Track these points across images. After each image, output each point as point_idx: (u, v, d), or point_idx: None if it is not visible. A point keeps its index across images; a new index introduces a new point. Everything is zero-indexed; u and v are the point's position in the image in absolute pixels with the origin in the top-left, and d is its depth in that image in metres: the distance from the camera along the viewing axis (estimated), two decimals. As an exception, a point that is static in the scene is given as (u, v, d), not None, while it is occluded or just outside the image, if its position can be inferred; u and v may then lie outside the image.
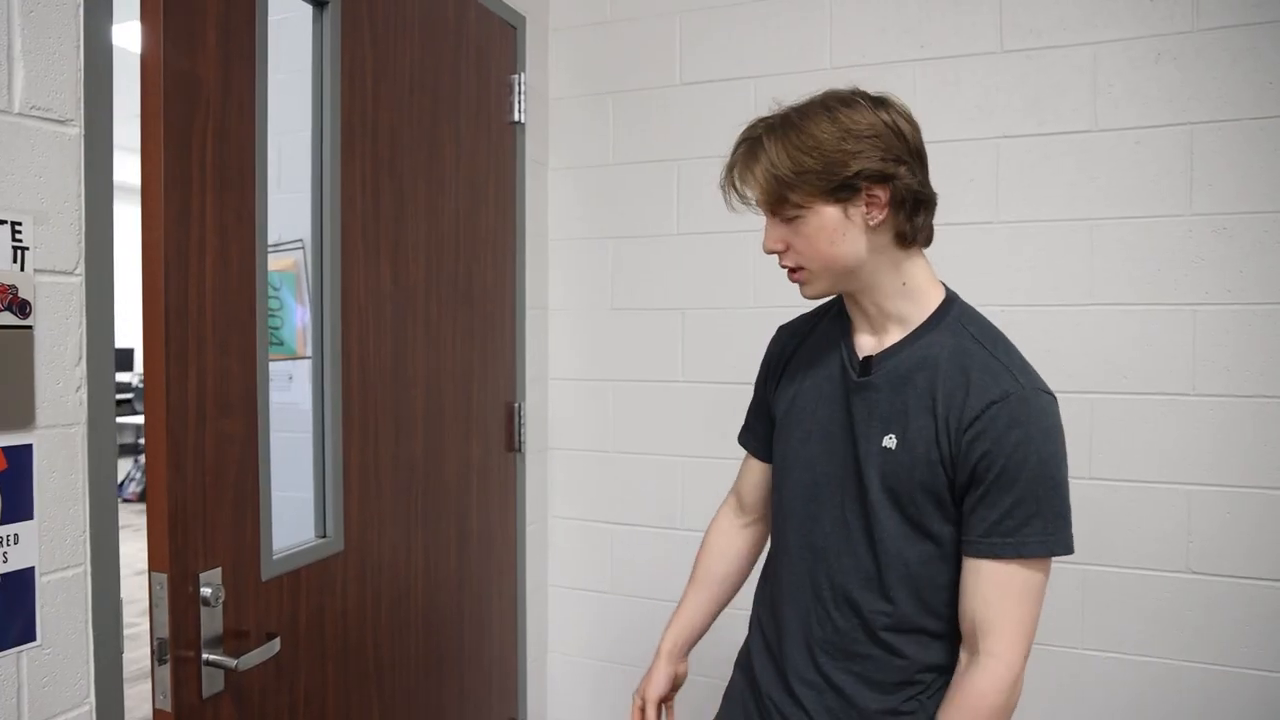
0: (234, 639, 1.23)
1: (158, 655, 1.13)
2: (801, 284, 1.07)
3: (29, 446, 0.99)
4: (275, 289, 2.52)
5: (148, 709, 1.15)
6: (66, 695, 1.03)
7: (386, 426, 1.62)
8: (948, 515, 1.01)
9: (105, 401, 1.07)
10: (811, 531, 1.10)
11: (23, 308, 0.98)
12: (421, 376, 1.70)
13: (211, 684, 1.19)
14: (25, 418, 0.98)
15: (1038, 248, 1.74)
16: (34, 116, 0.99)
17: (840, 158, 0.97)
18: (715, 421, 1.97)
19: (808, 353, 1.16)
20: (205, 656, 1.18)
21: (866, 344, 1.09)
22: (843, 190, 0.98)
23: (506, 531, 1.98)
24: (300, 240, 2.48)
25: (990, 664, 0.97)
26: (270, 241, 2.53)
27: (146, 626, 1.13)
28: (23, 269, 0.98)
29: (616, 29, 2.07)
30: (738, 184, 1.05)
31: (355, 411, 1.56)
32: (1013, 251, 1.75)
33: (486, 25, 1.87)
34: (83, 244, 1.05)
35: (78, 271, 1.04)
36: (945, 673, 1.06)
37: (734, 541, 1.31)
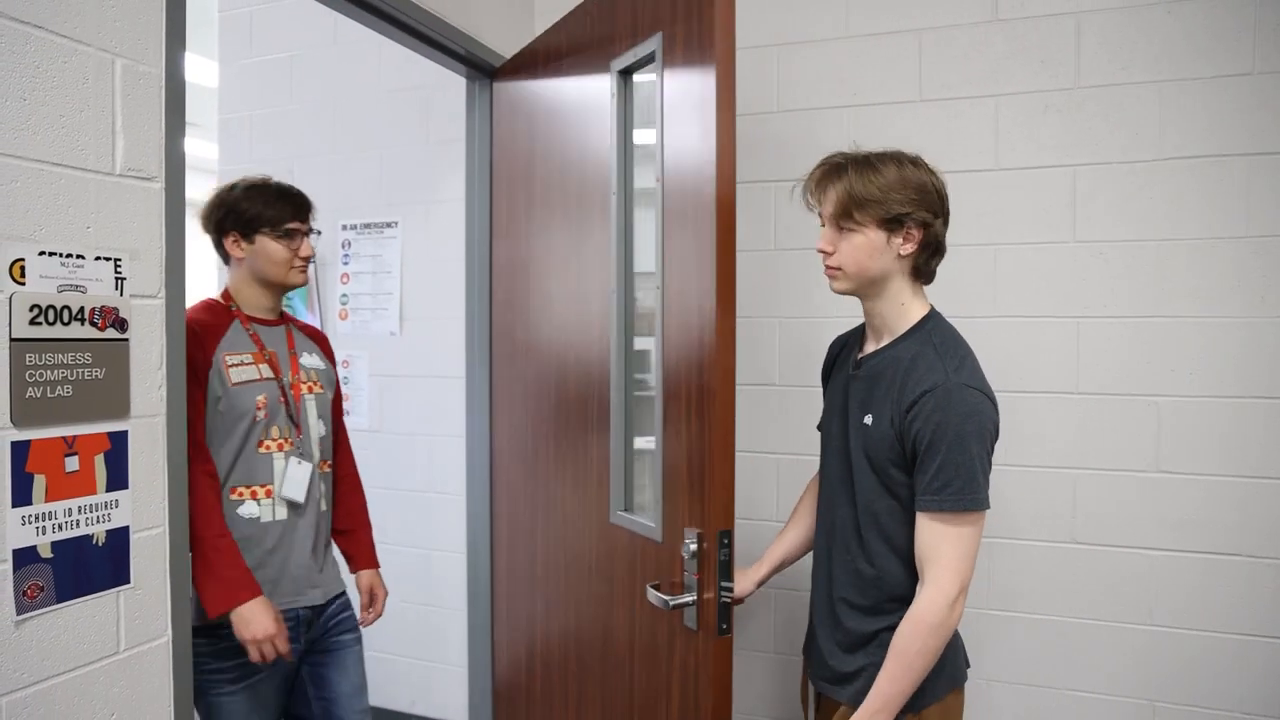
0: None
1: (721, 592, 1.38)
2: (832, 279, 1.37)
3: (125, 432, 1.27)
4: (289, 299, 2.80)
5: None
6: (152, 627, 1.31)
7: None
8: (905, 478, 1.29)
9: (178, 397, 1.35)
10: (826, 487, 1.44)
11: (122, 325, 1.26)
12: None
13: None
14: (123, 409, 1.26)
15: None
16: (130, 176, 1.27)
17: (899, 199, 1.30)
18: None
19: (844, 355, 1.50)
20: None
21: (868, 348, 1.41)
22: (893, 223, 1.31)
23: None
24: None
25: (929, 590, 1.25)
26: (285, 256, 2.80)
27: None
28: (121, 294, 1.26)
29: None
30: (814, 190, 1.36)
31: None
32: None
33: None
34: (163, 274, 1.33)
35: (160, 295, 1.32)
36: (907, 604, 1.32)
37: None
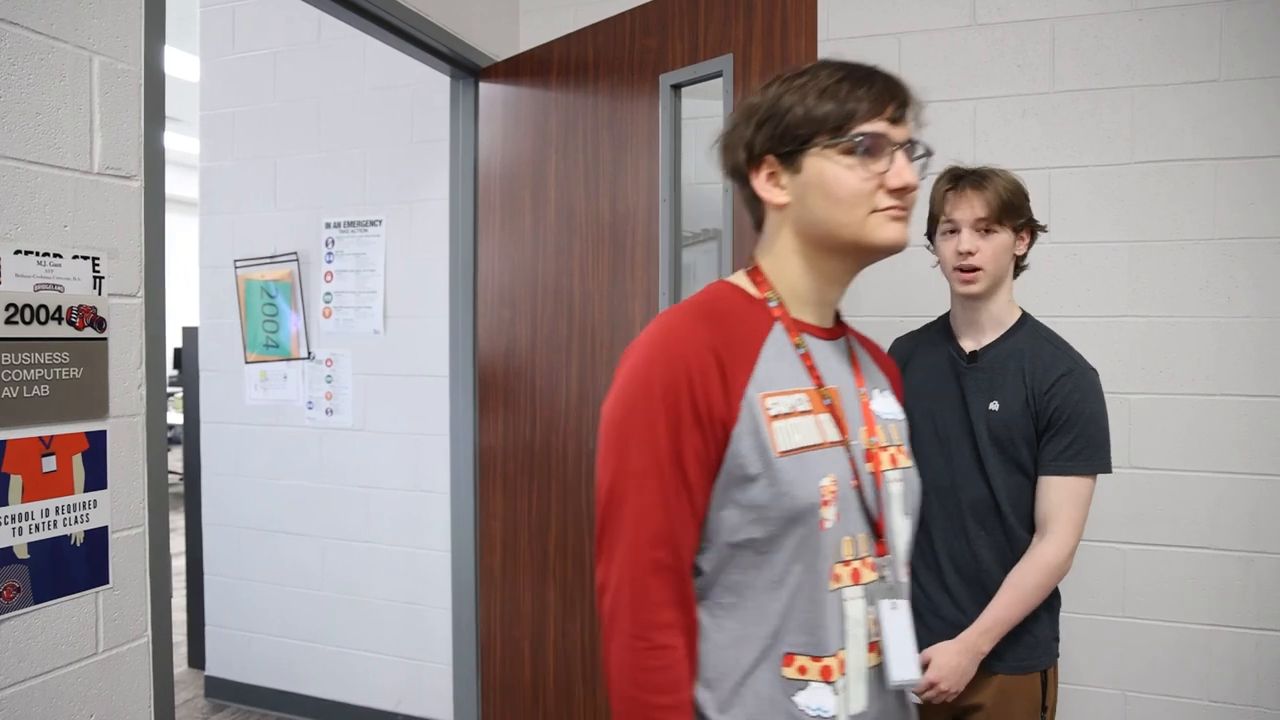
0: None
1: None
2: (971, 282, 1.46)
3: (104, 432, 1.27)
4: (271, 297, 2.80)
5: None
6: (131, 628, 1.31)
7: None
8: (1032, 453, 1.43)
9: (159, 397, 1.35)
10: (939, 473, 1.50)
11: (100, 324, 1.26)
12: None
13: None
14: (102, 409, 1.26)
15: (928, 267, 2.07)
16: (108, 174, 1.27)
17: (1025, 204, 1.47)
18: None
19: (922, 354, 1.60)
20: None
21: (968, 344, 1.52)
22: (1020, 226, 1.48)
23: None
24: (295, 253, 2.76)
25: (1051, 539, 1.40)
26: (267, 254, 2.82)
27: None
28: (100, 294, 1.26)
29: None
30: (983, 184, 1.45)
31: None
32: (908, 271, 2.07)
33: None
34: (143, 273, 1.33)
35: (139, 294, 1.32)
36: None
37: None
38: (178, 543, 4.74)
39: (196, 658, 3.15)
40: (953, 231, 1.47)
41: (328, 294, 2.72)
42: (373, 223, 2.66)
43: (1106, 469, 1.42)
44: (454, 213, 2.39)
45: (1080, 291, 1.97)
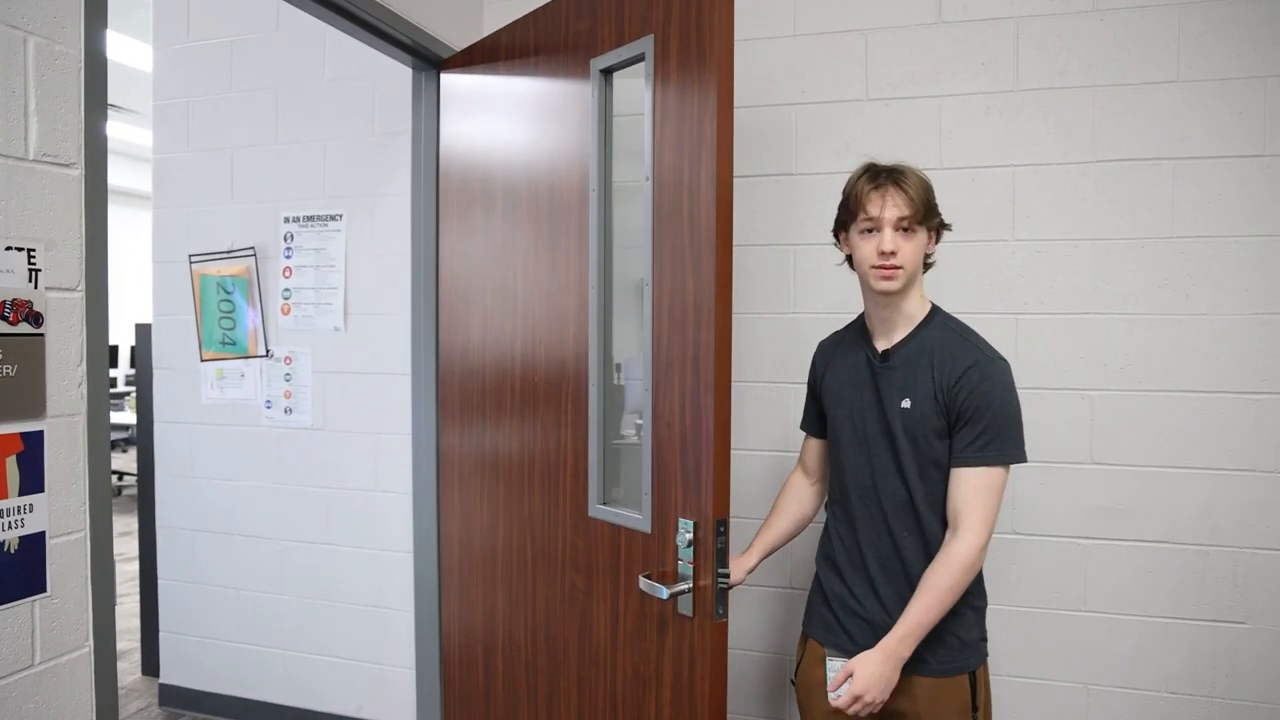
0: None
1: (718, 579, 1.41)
2: (890, 279, 1.46)
3: (41, 433, 1.21)
4: (228, 293, 2.72)
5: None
6: (70, 638, 1.25)
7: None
8: (944, 447, 1.45)
9: (101, 396, 1.29)
10: (861, 474, 1.53)
11: (36, 319, 1.20)
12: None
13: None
14: (38, 409, 1.20)
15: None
16: (44, 162, 1.21)
17: (935, 202, 1.50)
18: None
19: (842, 357, 1.63)
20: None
21: (881, 343, 1.54)
22: (934, 224, 1.50)
23: (445, 511, 2.21)
24: (252, 247, 2.68)
25: (964, 534, 1.41)
26: (223, 249, 2.74)
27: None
28: (36, 287, 1.20)
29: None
30: (904, 183, 1.45)
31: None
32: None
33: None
34: (83, 265, 1.27)
35: (79, 288, 1.26)
36: None
37: (805, 493, 1.74)
38: (131, 546, 4.61)
39: (150, 665, 3.06)
40: (872, 230, 1.46)
41: (286, 290, 2.65)
42: (333, 217, 2.60)
43: (1020, 458, 1.43)
44: (416, 208, 2.34)
45: (1043, 289, 1.98)
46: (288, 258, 2.65)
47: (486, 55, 2.08)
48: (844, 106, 2.10)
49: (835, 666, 1.54)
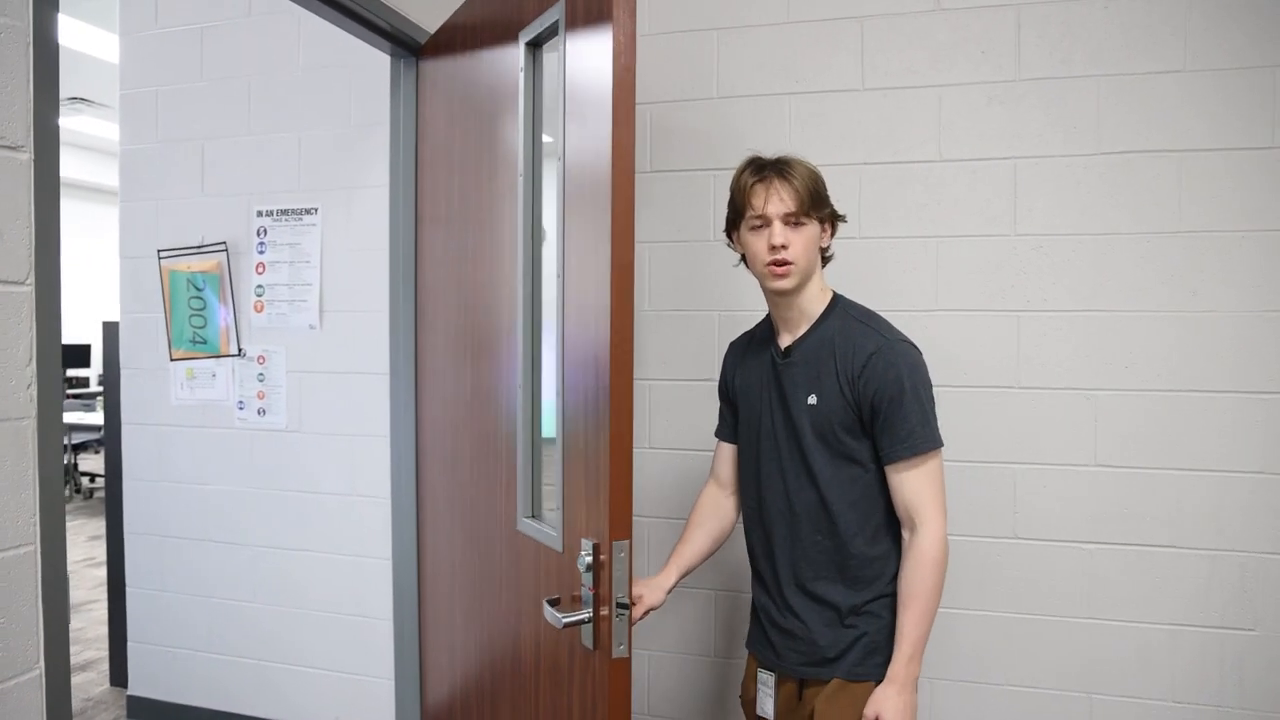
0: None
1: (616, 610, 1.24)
2: (784, 277, 1.39)
3: (-16, 438, 1.11)
4: (199, 289, 2.61)
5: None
6: (19, 660, 1.15)
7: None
8: (860, 441, 1.39)
9: (54, 398, 1.20)
10: (773, 479, 1.46)
11: (-21, 314, 1.10)
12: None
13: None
14: (-19, 412, 1.11)
15: (892, 260, 2.01)
16: (-12, 144, 1.11)
17: (827, 193, 1.43)
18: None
19: (751, 357, 1.56)
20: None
21: (785, 340, 1.48)
22: (825, 215, 1.43)
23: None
24: (224, 243, 2.58)
25: (925, 529, 1.35)
26: (194, 244, 2.63)
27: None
28: (-22, 280, 1.10)
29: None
30: (790, 175, 1.38)
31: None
32: (870, 264, 2.01)
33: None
34: (33, 258, 1.17)
35: (28, 281, 1.16)
36: (888, 566, 1.41)
37: (722, 505, 1.64)
38: (99, 551, 4.48)
39: (118, 676, 2.95)
40: (761, 226, 1.40)
41: (259, 287, 2.55)
42: (308, 211, 2.50)
43: (938, 441, 1.38)
44: (394, 201, 2.25)
45: (1046, 285, 1.93)
46: (261, 253, 2.55)
47: (450, 39, 1.99)
48: (839, 96, 2.04)
49: (766, 681, 1.49)
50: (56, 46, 1.21)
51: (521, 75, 1.58)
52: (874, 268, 2.01)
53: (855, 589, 1.41)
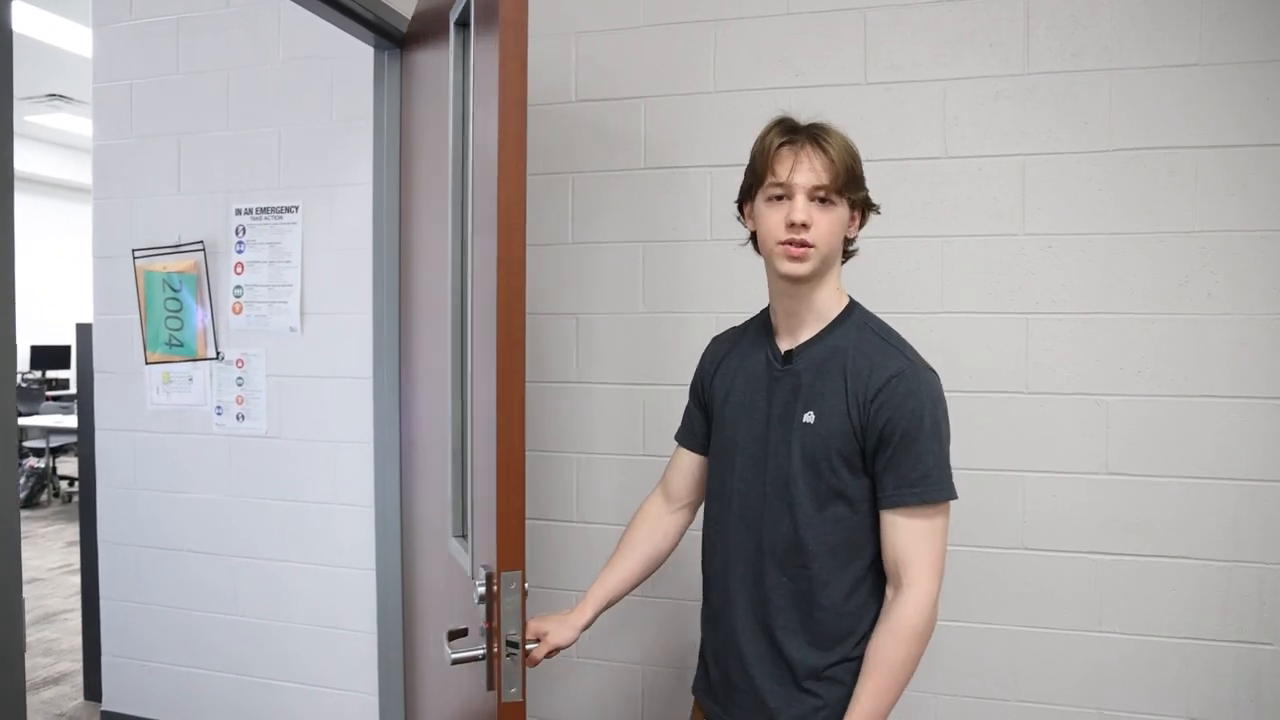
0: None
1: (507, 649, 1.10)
2: (800, 260, 1.18)
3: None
4: (175, 290, 2.51)
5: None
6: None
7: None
8: (857, 477, 1.18)
9: (7, 405, 1.11)
10: (743, 504, 1.25)
11: (-86, 318, 1.01)
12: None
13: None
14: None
15: (897, 259, 1.93)
16: (-75, 133, 1.02)
17: (862, 173, 1.22)
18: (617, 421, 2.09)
19: (739, 357, 1.33)
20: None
21: (785, 341, 1.27)
22: (858, 199, 1.22)
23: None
24: (201, 242, 2.48)
25: (911, 593, 1.15)
26: (169, 243, 2.54)
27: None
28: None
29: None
30: (826, 143, 1.17)
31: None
32: (873, 264, 1.93)
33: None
34: (-24, 256, 1.08)
35: (-29, 282, 1.08)
36: (860, 623, 1.20)
37: (662, 524, 1.43)
38: (77, 558, 4.35)
39: (93, 690, 2.85)
40: (782, 197, 1.18)
41: (238, 288, 2.46)
42: (288, 209, 2.41)
43: (953, 493, 1.17)
44: (378, 199, 2.16)
45: (1055, 287, 1.85)
46: (239, 253, 2.45)
47: (421, 27, 1.89)
48: (841, 91, 1.96)
49: None
50: (10, 34, 1.12)
51: (451, 57, 1.44)
52: (877, 268, 1.93)
53: (819, 648, 1.20)
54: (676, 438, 1.46)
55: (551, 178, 2.13)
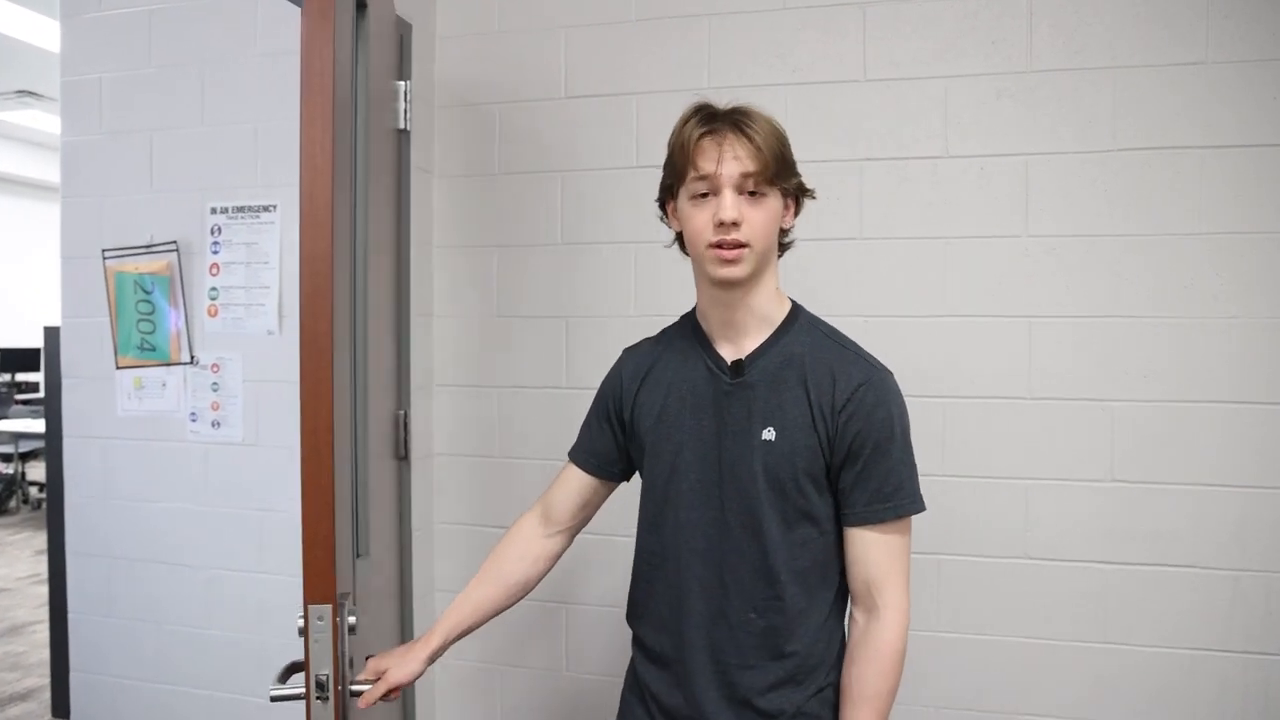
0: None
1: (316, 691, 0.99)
2: (734, 263, 1.07)
3: None
4: (147, 292, 2.42)
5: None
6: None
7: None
8: (823, 496, 1.11)
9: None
10: (694, 536, 1.14)
11: None
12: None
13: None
14: None
15: (896, 262, 1.89)
16: None
17: (792, 156, 1.11)
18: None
19: (666, 370, 1.20)
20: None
21: (727, 351, 1.15)
22: (791, 187, 1.11)
23: (393, 538, 1.97)
24: (174, 242, 2.39)
25: (888, 615, 1.09)
26: (142, 243, 2.45)
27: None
28: None
29: (504, 40, 2.10)
30: (750, 128, 1.05)
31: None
32: (873, 266, 1.89)
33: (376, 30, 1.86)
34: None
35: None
36: (830, 652, 1.14)
37: (534, 548, 1.30)
38: (43, 569, 4.23)
39: (60, 707, 2.76)
40: (707, 194, 1.07)
41: (213, 289, 2.37)
42: (266, 208, 2.33)
43: (923, 505, 1.12)
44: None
45: (1059, 290, 1.81)
46: (215, 253, 2.37)
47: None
48: (838, 88, 1.91)
49: None
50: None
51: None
52: (877, 270, 1.88)
53: (793, 685, 1.11)
54: (570, 454, 1.31)
55: (540, 176, 2.07)
